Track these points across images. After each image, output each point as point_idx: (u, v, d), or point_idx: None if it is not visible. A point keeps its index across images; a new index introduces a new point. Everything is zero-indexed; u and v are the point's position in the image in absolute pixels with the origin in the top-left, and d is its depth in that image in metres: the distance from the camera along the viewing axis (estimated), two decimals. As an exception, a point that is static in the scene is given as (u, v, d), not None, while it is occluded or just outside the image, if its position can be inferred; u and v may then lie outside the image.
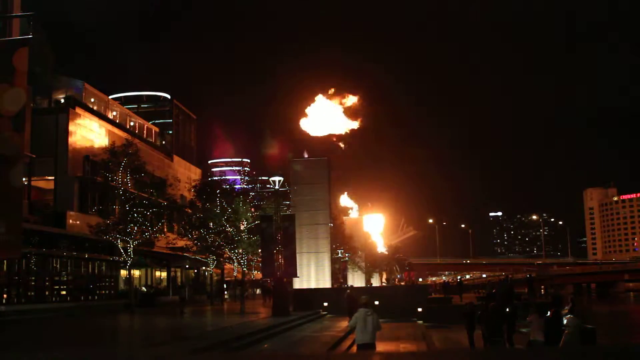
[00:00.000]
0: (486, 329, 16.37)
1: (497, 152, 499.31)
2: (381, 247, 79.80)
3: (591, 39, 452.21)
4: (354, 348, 14.65)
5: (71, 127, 35.98)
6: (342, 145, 44.58)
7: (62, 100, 39.23)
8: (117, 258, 33.95)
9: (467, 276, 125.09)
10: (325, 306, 34.43)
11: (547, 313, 16.36)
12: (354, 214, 68.10)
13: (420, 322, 30.98)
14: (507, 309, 17.58)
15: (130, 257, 30.29)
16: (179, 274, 50.14)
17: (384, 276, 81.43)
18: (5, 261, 25.79)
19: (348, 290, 32.52)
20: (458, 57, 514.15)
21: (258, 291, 63.58)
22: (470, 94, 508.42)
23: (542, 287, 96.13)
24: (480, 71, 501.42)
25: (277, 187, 30.58)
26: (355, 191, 71.96)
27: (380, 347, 18.97)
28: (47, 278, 30.29)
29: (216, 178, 37.72)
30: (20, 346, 15.65)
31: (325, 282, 38.81)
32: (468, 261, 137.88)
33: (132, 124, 49.32)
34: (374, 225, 74.63)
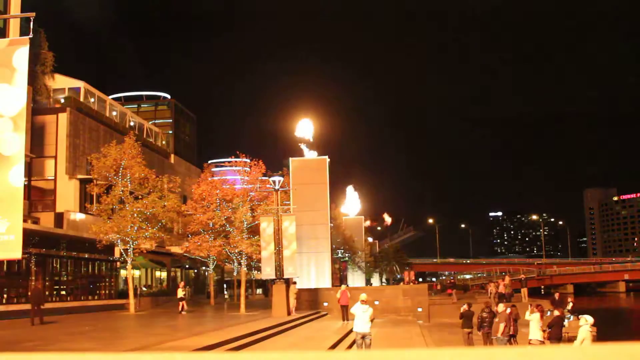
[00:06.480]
0: (490, 329, 16.47)
1: (497, 151, 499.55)
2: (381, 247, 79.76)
3: (592, 39, 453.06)
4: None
5: (71, 127, 35.99)
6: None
7: (62, 100, 39.25)
8: (117, 258, 33.99)
9: (467, 276, 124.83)
10: (325, 306, 34.41)
11: (546, 313, 16.34)
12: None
13: (420, 322, 31.08)
14: (508, 310, 17.63)
15: (130, 257, 30.30)
16: (179, 274, 50.17)
17: (384, 276, 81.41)
18: (5, 261, 25.77)
19: (340, 290, 32.54)
20: (459, 55, 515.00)
21: (258, 291, 63.63)
22: (469, 93, 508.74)
23: (542, 287, 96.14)
24: (479, 69, 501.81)
25: (277, 187, 30.51)
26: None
27: (380, 346, 18.95)
28: (47, 278, 30.27)
29: (216, 178, 37.65)
30: (20, 346, 15.67)
31: (325, 282, 38.81)
32: (468, 261, 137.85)
33: (132, 124, 49.33)
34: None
